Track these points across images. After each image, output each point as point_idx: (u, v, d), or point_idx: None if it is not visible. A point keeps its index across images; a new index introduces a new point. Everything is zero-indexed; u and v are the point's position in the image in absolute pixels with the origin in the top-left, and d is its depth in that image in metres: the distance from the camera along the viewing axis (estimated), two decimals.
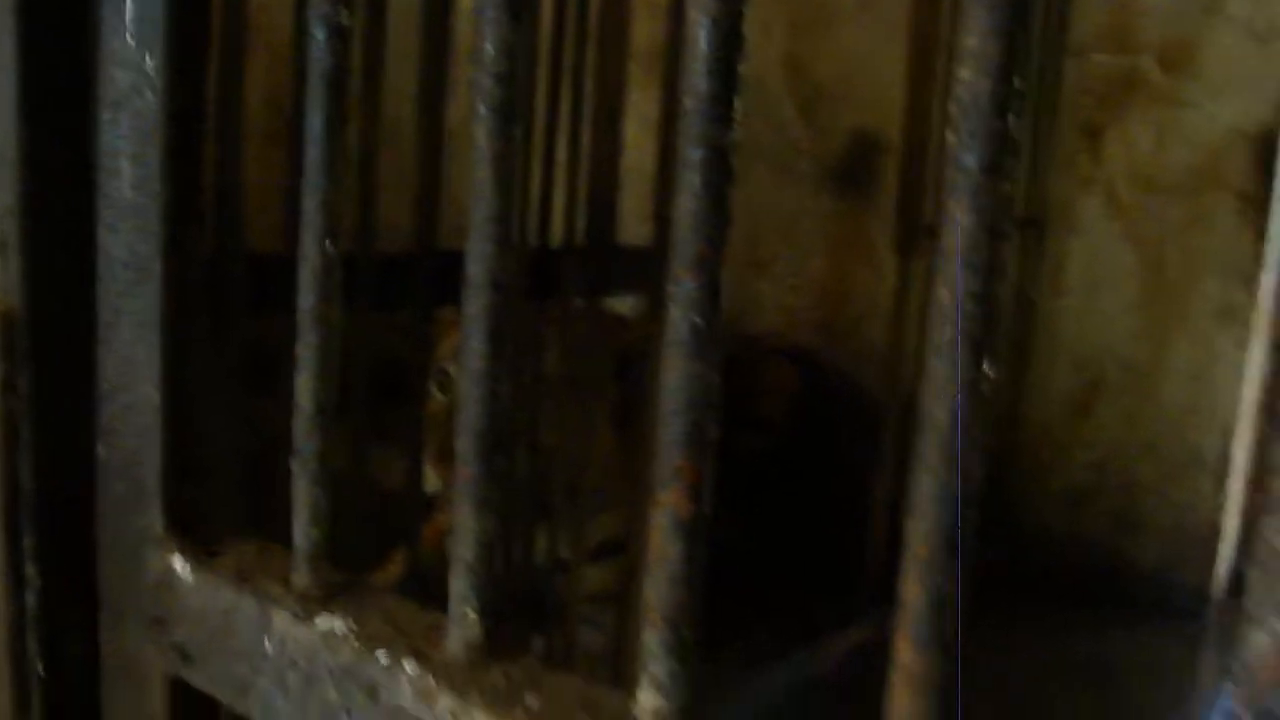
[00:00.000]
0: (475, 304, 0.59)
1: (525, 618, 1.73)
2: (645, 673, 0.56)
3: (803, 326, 2.84)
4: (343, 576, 0.70)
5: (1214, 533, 2.85)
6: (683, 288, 0.53)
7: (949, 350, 0.47)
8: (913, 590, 0.49)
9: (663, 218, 2.06)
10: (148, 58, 0.69)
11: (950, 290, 0.47)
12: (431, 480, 1.83)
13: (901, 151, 2.22)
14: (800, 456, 2.64)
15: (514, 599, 1.70)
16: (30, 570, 0.78)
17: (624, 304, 2.00)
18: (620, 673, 1.87)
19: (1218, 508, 2.85)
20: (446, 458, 1.81)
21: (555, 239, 1.72)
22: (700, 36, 0.49)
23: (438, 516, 1.82)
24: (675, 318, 0.53)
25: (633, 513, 2.22)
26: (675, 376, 0.53)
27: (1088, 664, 2.35)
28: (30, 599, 0.79)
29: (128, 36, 0.70)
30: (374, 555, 1.52)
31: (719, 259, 0.53)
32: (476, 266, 0.59)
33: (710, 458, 0.55)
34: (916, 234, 2.19)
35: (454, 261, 1.74)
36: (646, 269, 2.03)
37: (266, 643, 0.68)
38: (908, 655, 0.49)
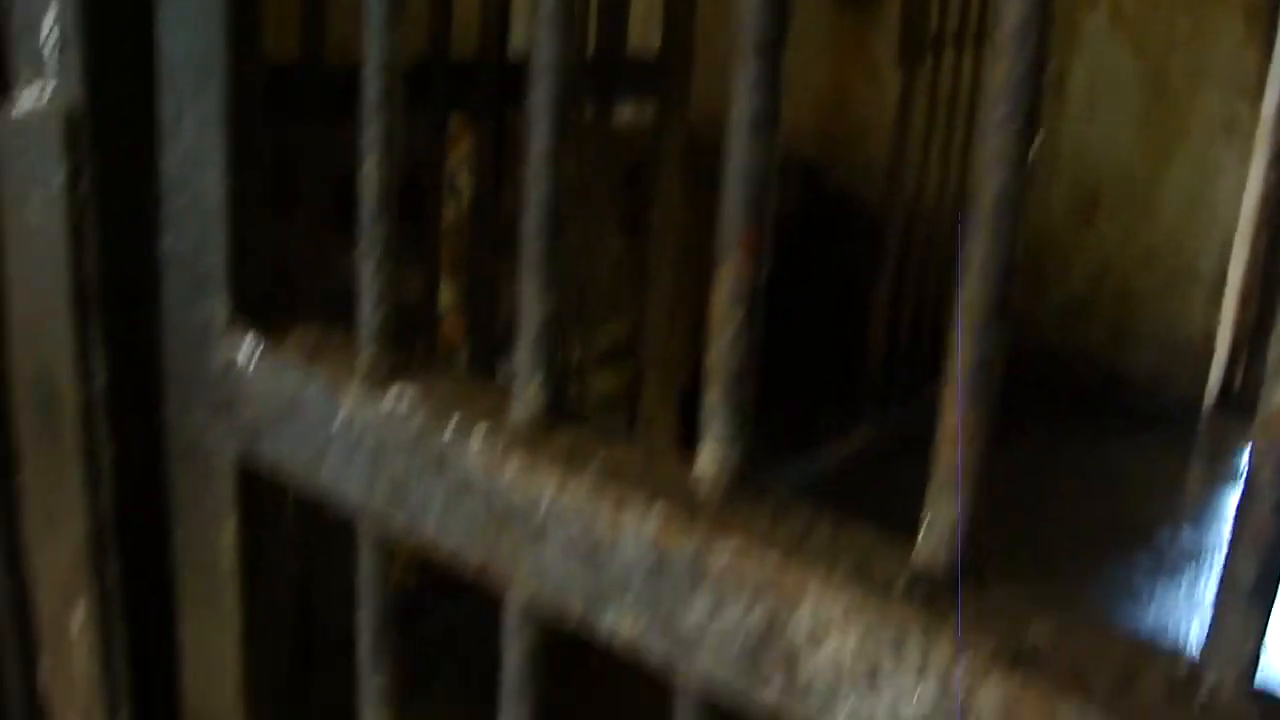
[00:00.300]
0: (540, 90, 0.62)
1: None
2: (707, 429, 0.60)
3: (803, 140, 2.84)
4: (406, 355, 0.74)
5: (1208, 345, 2.90)
6: (748, 70, 0.55)
7: (998, 130, 0.49)
8: (964, 352, 0.52)
9: (673, 26, 2.06)
10: None
11: (1005, 66, 0.49)
12: (446, 294, 1.87)
13: None
14: (800, 269, 2.67)
15: None
16: (98, 359, 0.82)
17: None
18: None
19: (1213, 321, 2.90)
20: (460, 268, 1.85)
21: None
22: None
23: (450, 319, 1.86)
24: (741, 98, 0.56)
25: (640, 318, 2.27)
26: (739, 153, 0.56)
27: (1085, 472, 2.42)
28: (98, 387, 0.82)
29: None
30: None
31: (782, 44, 0.56)
32: (544, 53, 0.61)
33: (768, 230, 0.58)
34: (921, 47, 2.19)
35: (464, 71, 1.76)
36: (654, 79, 2.04)
37: (335, 421, 0.72)
38: (956, 410, 0.52)
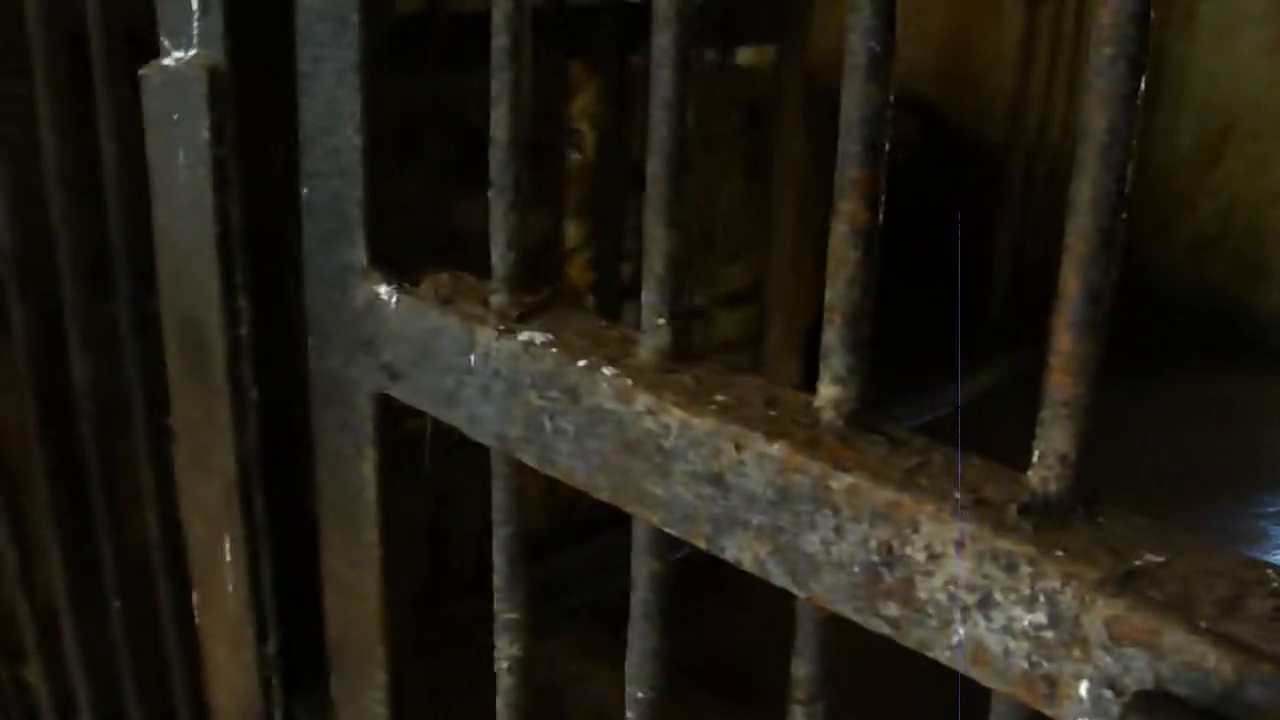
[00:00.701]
0: (664, 36, 0.64)
1: None
2: (826, 366, 0.62)
3: (924, 78, 2.82)
4: (537, 298, 0.77)
5: None
6: (861, 16, 0.57)
7: (1108, 67, 0.50)
8: (1071, 283, 0.53)
9: None
10: None
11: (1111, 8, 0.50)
12: (572, 235, 1.90)
13: None
14: (923, 208, 2.66)
15: None
16: (243, 302, 0.86)
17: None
18: None
19: None
20: (585, 213, 1.88)
21: None
22: None
23: (575, 263, 1.89)
24: (854, 44, 0.57)
25: (763, 260, 2.29)
26: (854, 96, 0.58)
27: (1211, 406, 2.39)
28: (244, 331, 0.87)
29: None
30: None
31: None
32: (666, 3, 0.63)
33: (882, 171, 0.60)
34: None
35: (580, 15, 1.77)
36: (774, 21, 2.04)
37: (471, 357, 0.75)
38: (1066, 341, 0.54)
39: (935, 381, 2.28)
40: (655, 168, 0.66)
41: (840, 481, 0.60)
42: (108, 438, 1.10)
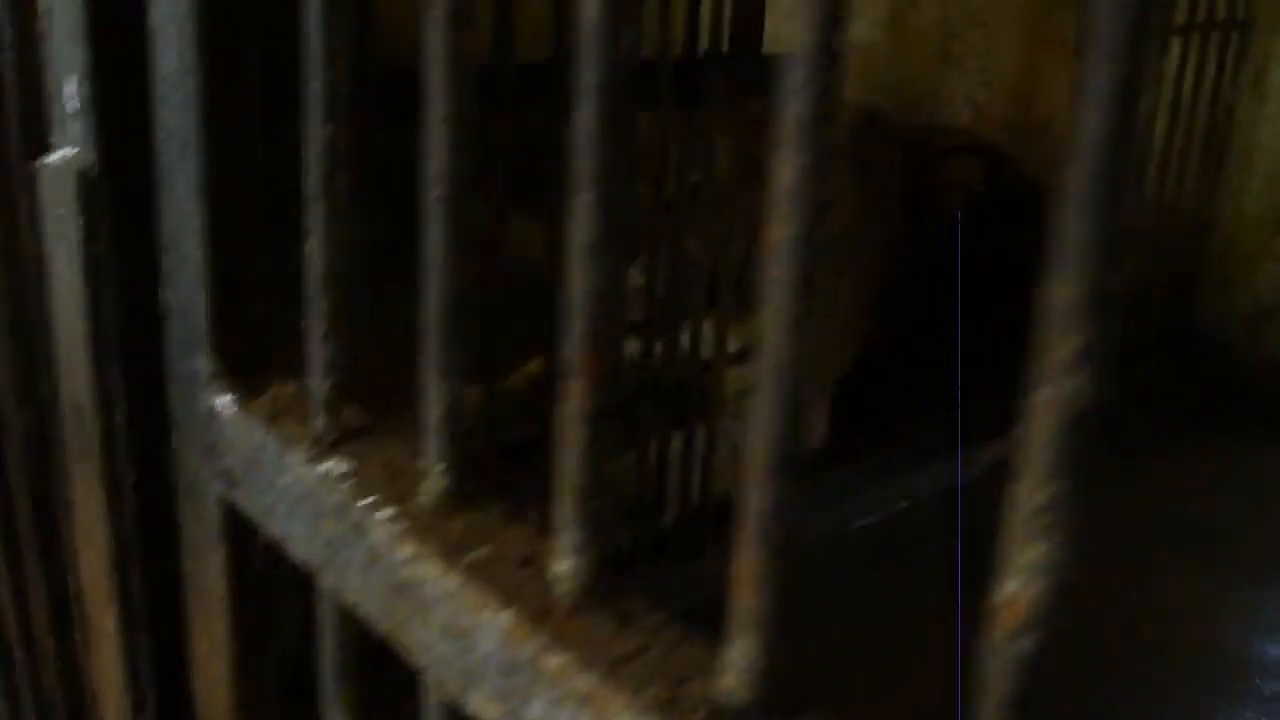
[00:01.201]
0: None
1: (670, 410, 1.81)
2: (559, 541, 0.62)
3: (991, 125, 2.76)
4: (366, 418, 0.79)
5: None
6: (585, 196, 0.57)
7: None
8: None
9: None
10: None
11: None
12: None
13: None
14: (985, 259, 2.61)
15: (660, 391, 1.78)
16: (116, 395, 0.89)
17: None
18: None
19: None
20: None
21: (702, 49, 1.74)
22: None
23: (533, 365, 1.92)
24: (578, 225, 0.58)
25: None
26: (577, 279, 0.58)
27: (1253, 479, 2.31)
28: (117, 420, 0.90)
29: None
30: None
31: (619, 178, 0.57)
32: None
33: (613, 353, 0.60)
34: None
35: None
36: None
37: (285, 478, 0.77)
38: (747, 557, 0.53)
39: (970, 440, 2.24)
40: (429, 318, 0.67)
41: (553, 660, 0.60)
42: (42, 489, 1.14)
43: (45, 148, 0.91)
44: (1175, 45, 2.28)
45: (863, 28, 2.82)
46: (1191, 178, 2.37)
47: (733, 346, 2.27)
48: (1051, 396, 0.42)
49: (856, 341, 2.51)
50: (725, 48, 1.71)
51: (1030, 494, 0.44)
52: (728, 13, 1.70)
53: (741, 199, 1.82)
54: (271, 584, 0.88)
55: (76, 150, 0.86)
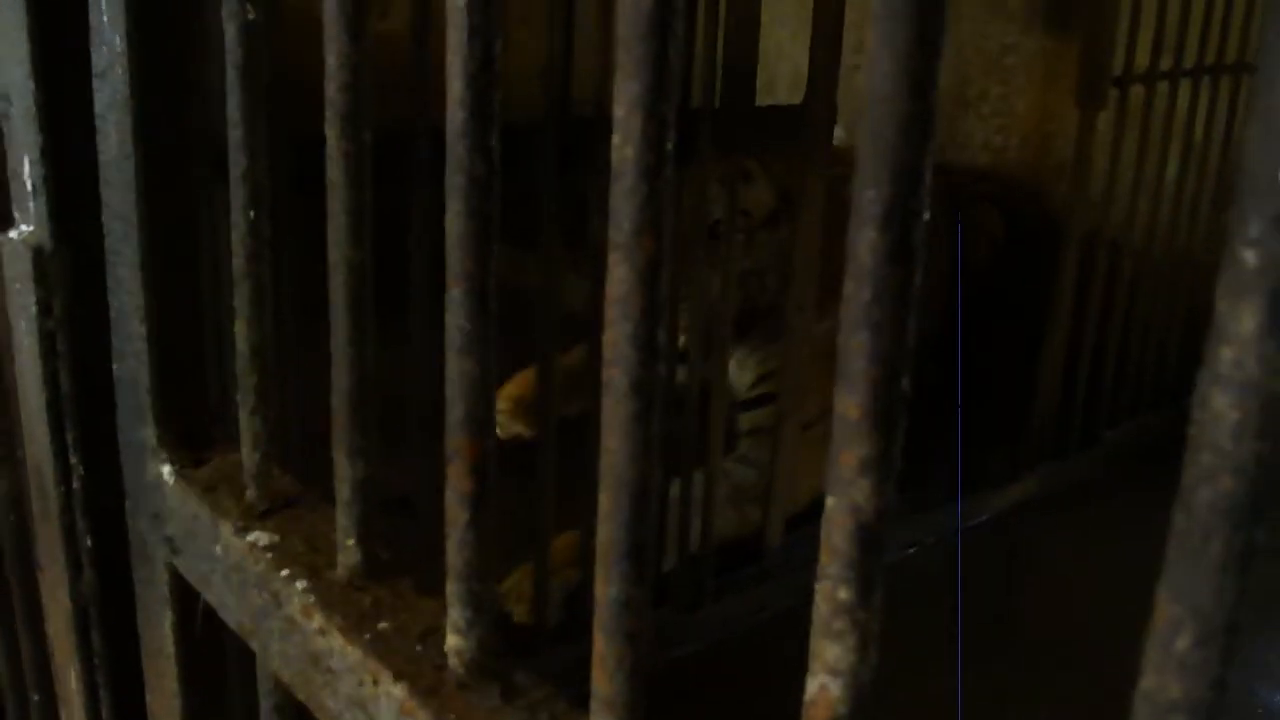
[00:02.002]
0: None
1: (668, 455, 1.83)
2: (449, 617, 0.65)
3: (1010, 165, 2.76)
4: (297, 488, 0.82)
5: None
6: (456, 292, 0.59)
7: None
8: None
9: (815, 79, 2.06)
10: (118, 39, 0.79)
11: None
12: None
13: None
14: (1000, 305, 2.62)
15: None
16: (75, 459, 0.93)
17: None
18: (766, 506, 1.97)
19: None
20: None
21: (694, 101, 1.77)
22: None
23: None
24: (449, 319, 0.60)
25: (780, 363, 2.30)
26: (453, 368, 0.61)
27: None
28: (76, 484, 0.93)
29: (103, 16, 0.80)
30: None
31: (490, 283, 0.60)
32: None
33: (489, 440, 0.62)
34: (1101, 87, 2.09)
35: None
36: (792, 126, 2.04)
37: (218, 547, 0.80)
38: None
39: (978, 486, 2.24)
40: (339, 401, 0.70)
41: None
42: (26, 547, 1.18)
43: (11, 222, 0.95)
44: (1185, 89, 2.28)
45: None
46: (1204, 221, 2.37)
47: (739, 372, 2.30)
48: (837, 505, 0.44)
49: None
50: (717, 102, 1.73)
51: (825, 598, 0.46)
52: (720, 68, 1.72)
53: (737, 245, 1.84)
54: (221, 647, 0.91)
55: (32, 228, 0.89)
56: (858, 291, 0.42)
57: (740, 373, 2.37)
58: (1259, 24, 2.40)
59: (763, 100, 1.84)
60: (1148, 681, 0.38)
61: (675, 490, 1.85)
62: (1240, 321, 0.34)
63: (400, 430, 1.38)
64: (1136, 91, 2.19)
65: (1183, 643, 0.37)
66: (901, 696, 1.86)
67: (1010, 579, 2.04)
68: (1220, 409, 0.35)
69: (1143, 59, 2.18)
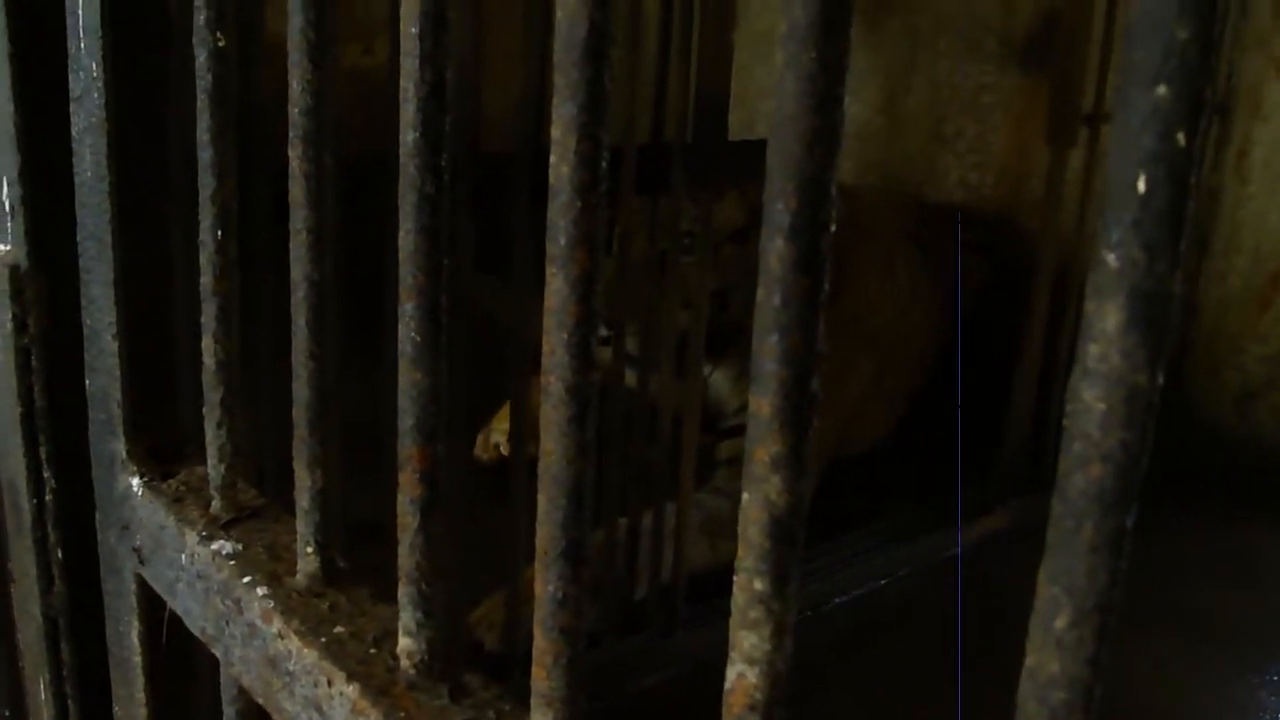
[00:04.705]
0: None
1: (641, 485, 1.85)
2: (400, 621, 0.67)
3: (985, 202, 2.81)
4: (260, 499, 0.84)
5: None
6: (405, 320, 0.62)
7: None
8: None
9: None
10: (94, 65, 0.82)
11: None
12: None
13: (1068, 33, 2.16)
14: (984, 342, 2.65)
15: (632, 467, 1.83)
16: (47, 474, 0.95)
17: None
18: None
19: None
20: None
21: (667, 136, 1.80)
22: None
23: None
24: (402, 334, 0.63)
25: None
26: (405, 378, 0.63)
27: (1243, 561, 2.32)
28: (49, 497, 0.95)
29: (81, 43, 0.83)
30: None
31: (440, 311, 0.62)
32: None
33: (439, 448, 0.65)
34: (1070, 126, 2.13)
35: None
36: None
37: (183, 556, 0.82)
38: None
39: (946, 520, 2.26)
40: (299, 414, 0.73)
41: None
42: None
43: None
44: None
45: (858, 110, 2.88)
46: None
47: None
48: (752, 500, 0.47)
49: (879, 427, 2.55)
50: (690, 136, 1.76)
51: (741, 589, 0.48)
52: (692, 101, 1.76)
53: (714, 271, 1.86)
54: (188, 657, 0.93)
55: (9, 247, 0.92)
56: (768, 298, 0.44)
57: (728, 397, 2.40)
58: (1228, 56, 2.45)
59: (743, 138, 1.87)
60: (1030, 660, 0.41)
61: (647, 520, 1.87)
62: (1105, 319, 0.37)
63: (373, 457, 1.41)
64: (1108, 130, 2.22)
65: (1060, 622, 0.40)
66: None
67: (982, 611, 2.06)
68: (1089, 401, 0.37)
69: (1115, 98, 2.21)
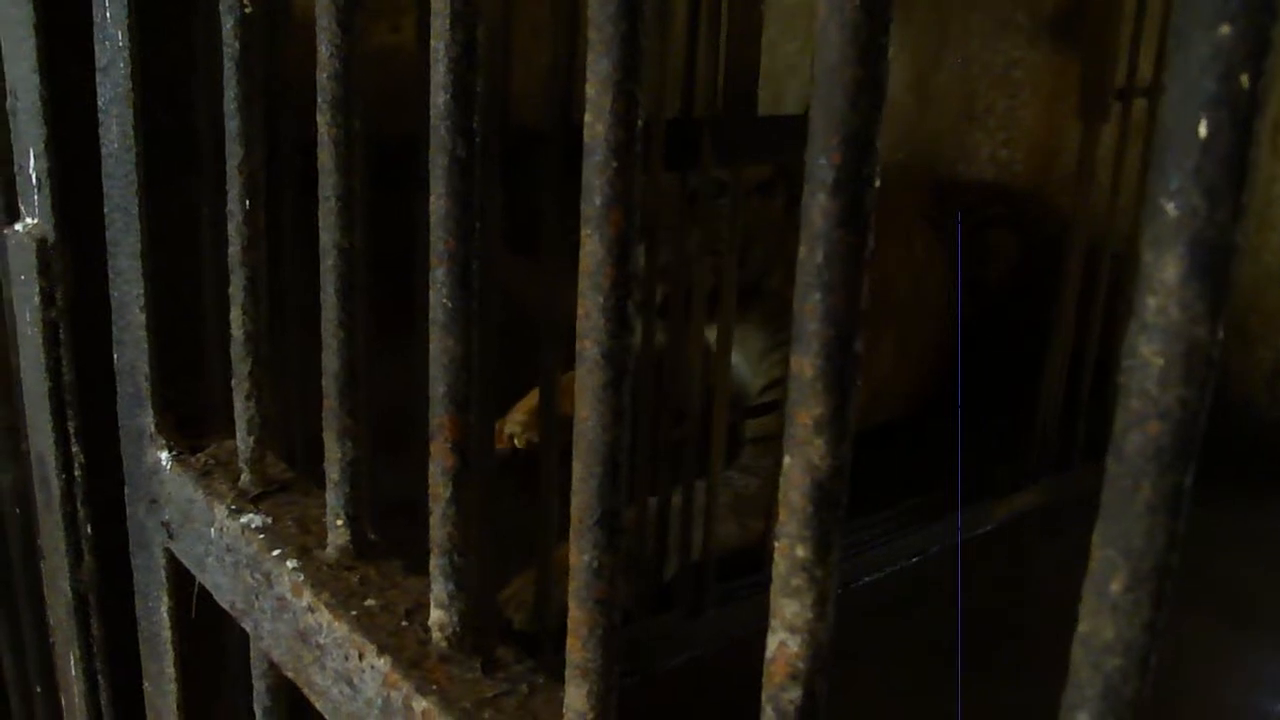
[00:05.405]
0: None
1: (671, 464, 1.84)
2: (431, 593, 0.66)
3: (1016, 178, 2.78)
4: (289, 473, 0.84)
5: None
6: (437, 273, 0.61)
7: None
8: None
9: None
10: (120, 35, 0.81)
11: None
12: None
13: (1099, 6, 2.13)
14: (1010, 314, 2.63)
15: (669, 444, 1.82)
16: (76, 448, 0.95)
17: None
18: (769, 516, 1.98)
19: None
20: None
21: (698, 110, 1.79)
22: None
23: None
24: (433, 303, 0.62)
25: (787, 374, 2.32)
26: (437, 346, 0.62)
27: (1272, 539, 2.29)
28: (78, 472, 0.95)
29: (106, 12, 0.82)
30: None
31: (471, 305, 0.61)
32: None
33: (471, 416, 0.64)
34: (1103, 100, 2.11)
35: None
36: (796, 135, 2.06)
37: (212, 530, 0.82)
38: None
39: (980, 497, 2.25)
40: (329, 384, 0.72)
41: (419, 703, 0.64)
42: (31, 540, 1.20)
43: (17, 215, 0.98)
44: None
45: (888, 88, 2.86)
46: None
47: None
48: (794, 464, 0.46)
49: (895, 401, 2.53)
50: (720, 109, 1.75)
51: (783, 556, 0.47)
52: (722, 76, 1.74)
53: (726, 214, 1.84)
54: (218, 633, 0.93)
55: (36, 220, 0.91)
56: (810, 255, 0.43)
57: (753, 377, 2.39)
58: None
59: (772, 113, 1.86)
60: (1084, 626, 0.39)
61: (677, 498, 1.86)
62: (1164, 270, 0.35)
63: (406, 436, 1.40)
64: (1140, 104, 2.20)
65: (1116, 586, 0.38)
66: (904, 704, 1.87)
67: (1013, 589, 2.05)
68: (1146, 355, 0.36)
69: (1146, 71, 2.19)
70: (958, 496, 2.22)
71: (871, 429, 2.39)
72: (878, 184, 0.43)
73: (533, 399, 2.42)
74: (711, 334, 1.87)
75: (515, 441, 2.42)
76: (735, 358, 2.34)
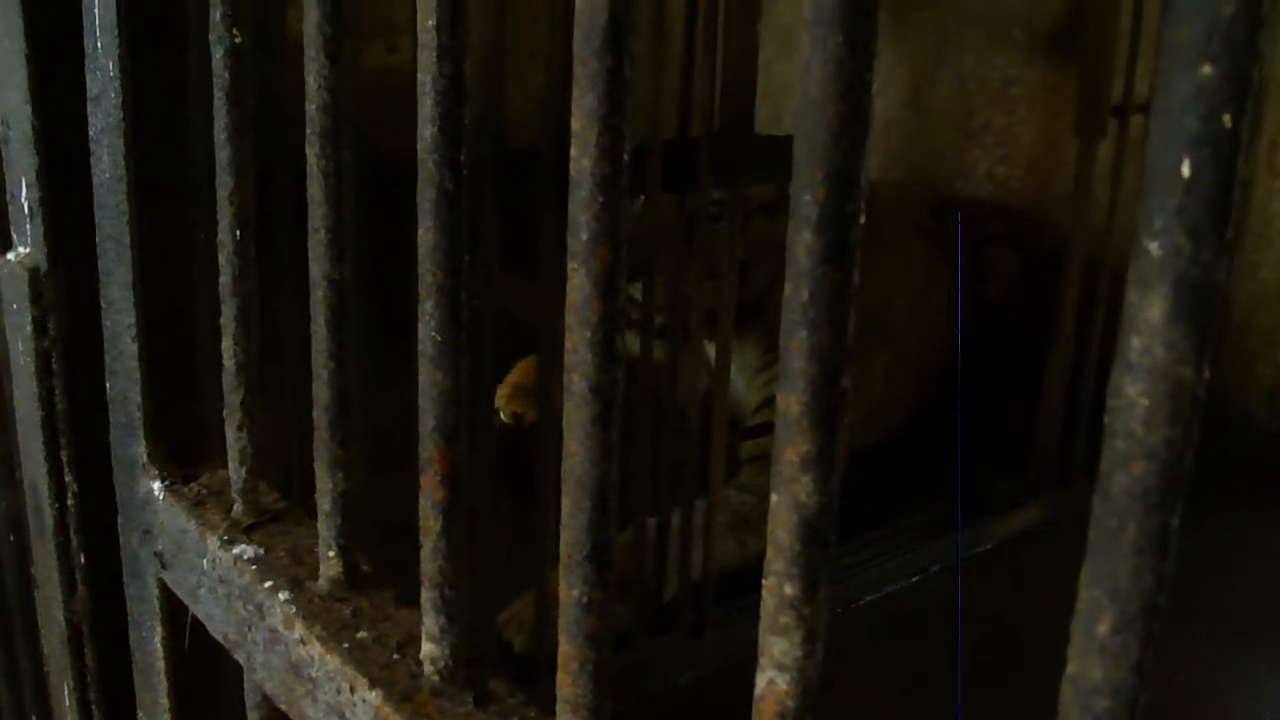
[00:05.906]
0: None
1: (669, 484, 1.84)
2: (424, 626, 0.66)
3: (1013, 195, 2.78)
4: (282, 503, 0.83)
5: None
6: (427, 301, 0.61)
7: None
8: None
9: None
10: (111, 65, 0.81)
11: None
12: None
13: (1095, 23, 2.13)
14: (1016, 336, 2.63)
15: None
16: (69, 477, 0.94)
17: None
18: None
19: None
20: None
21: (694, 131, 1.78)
22: None
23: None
24: (422, 332, 0.62)
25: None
26: (426, 379, 0.62)
27: (1268, 557, 2.29)
28: (71, 501, 0.95)
29: (98, 43, 0.82)
30: None
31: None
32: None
33: (460, 450, 0.63)
34: (1100, 116, 2.11)
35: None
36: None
37: (205, 561, 0.81)
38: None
39: (975, 516, 2.24)
40: (320, 415, 0.72)
41: None
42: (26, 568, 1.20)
43: (10, 244, 0.97)
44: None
45: (884, 104, 2.86)
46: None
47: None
48: (781, 502, 0.45)
49: (890, 420, 2.52)
50: (717, 129, 1.74)
51: (771, 593, 0.47)
52: (718, 96, 1.74)
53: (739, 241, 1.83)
54: (212, 663, 0.92)
55: (28, 250, 0.91)
56: (796, 292, 0.43)
57: (748, 394, 2.38)
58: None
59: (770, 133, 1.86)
60: (1072, 666, 0.39)
61: (676, 518, 1.86)
62: (1148, 310, 0.35)
63: (402, 457, 1.40)
64: (1137, 121, 2.19)
65: (1103, 628, 0.38)
66: None
67: (1014, 607, 2.04)
68: (1132, 396, 0.36)
69: (1143, 88, 2.19)
70: (958, 514, 2.21)
71: (868, 448, 2.38)
72: (863, 220, 0.43)
73: (516, 374, 2.42)
74: (710, 351, 1.86)
75: (501, 415, 2.40)
76: (731, 373, 2.34)
